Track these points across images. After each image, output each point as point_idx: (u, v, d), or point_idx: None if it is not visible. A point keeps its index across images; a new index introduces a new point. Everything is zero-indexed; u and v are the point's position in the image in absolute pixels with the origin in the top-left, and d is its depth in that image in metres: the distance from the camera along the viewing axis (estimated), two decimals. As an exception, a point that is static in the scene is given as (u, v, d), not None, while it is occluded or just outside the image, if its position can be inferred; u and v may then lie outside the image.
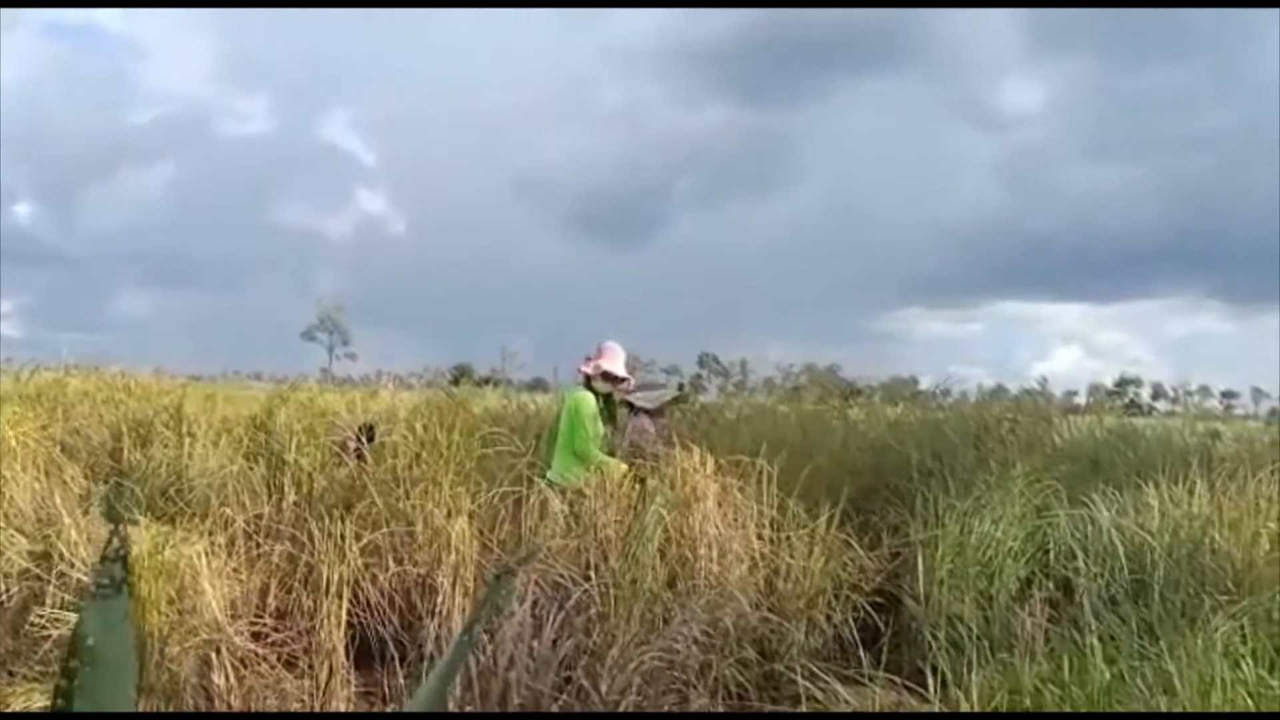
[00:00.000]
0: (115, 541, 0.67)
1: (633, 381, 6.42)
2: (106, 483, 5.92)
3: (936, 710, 3.60)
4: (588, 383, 6.08)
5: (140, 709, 4.13)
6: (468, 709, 3.71)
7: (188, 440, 6.35)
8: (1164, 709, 3.40)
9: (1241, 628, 4.05)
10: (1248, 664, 3.53)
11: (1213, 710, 3.35)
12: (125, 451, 6.58)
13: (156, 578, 4.30)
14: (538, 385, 11.82)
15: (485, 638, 3.96)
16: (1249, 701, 3.36)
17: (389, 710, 4.46)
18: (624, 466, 5.65)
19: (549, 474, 5.76)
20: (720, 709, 4.18)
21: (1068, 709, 3.46)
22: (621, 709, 3.84)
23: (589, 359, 6.15)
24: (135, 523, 4.68)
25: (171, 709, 4.23)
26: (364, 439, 6.11)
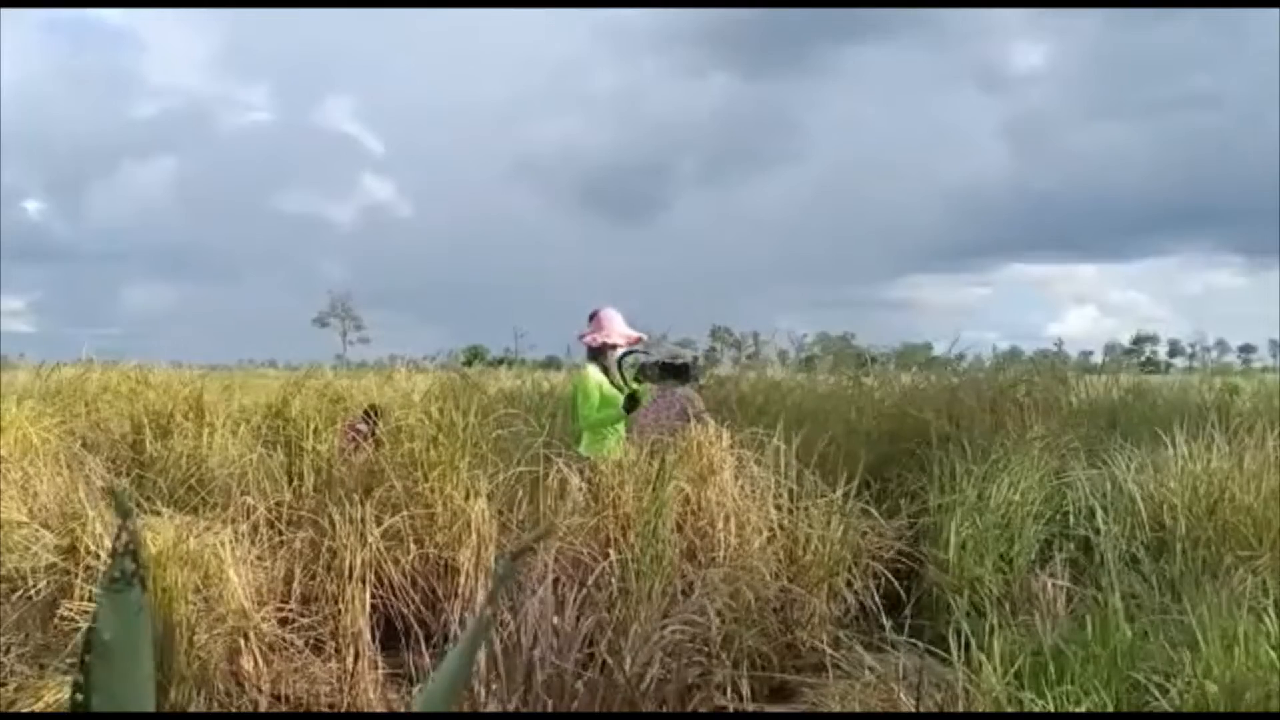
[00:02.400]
0: (124, 536, 0.68)
1: (642, 337, 6.29)
2: (129, 475, 5.97)
3: (960, 674, 3.61)
4: (594, 356, 6.04)
5: (171, 698, 4.18)
6: (493, 687, 3.74)
7: (207, 431, 6.39)
8: (1187, 665, 3.40)
9: (1263, 582, 4.05)
10: (1270, 618, 3.53)
11: (1235, 663, 3.35)
12: (146, 444, 6.62)
13: (182, 567, 4.35)
14: (551, 363, 11.86)
15: (508, 616, 3.99)
16: (1273, 655, 3.36)
17: (416, 690, 4.50)
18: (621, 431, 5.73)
19: (580, 448, 5.77)
20: (744, 679, 4.20)
21: (1090, 669, 3.47)
22: (645, 683, 3.86)
23: (583, 334, 6.10)
24: (157, 514, 4.73)
25: (202, 696, 4.28)
26: (372, 422, 6.13)
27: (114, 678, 0.66)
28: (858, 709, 3.86)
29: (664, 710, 3.87)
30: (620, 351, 6.07)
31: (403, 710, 4.49)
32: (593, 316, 6.09)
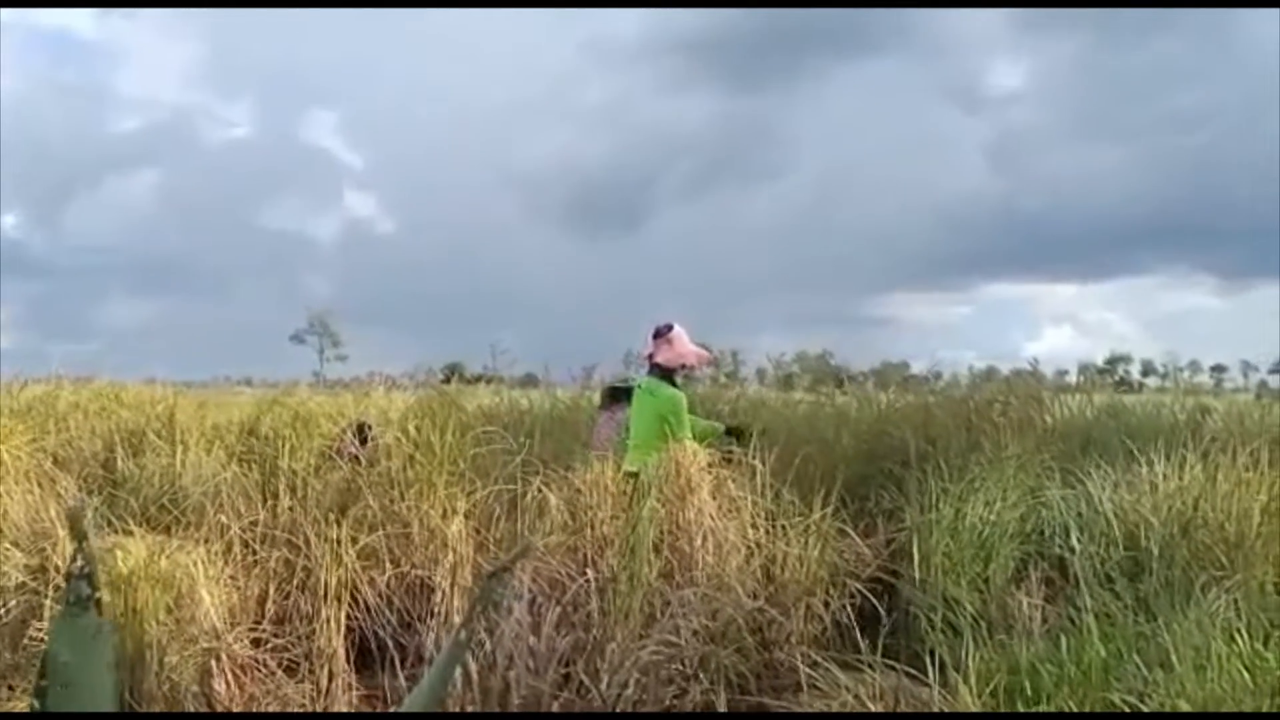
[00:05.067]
0: (80, 559, 0.67)
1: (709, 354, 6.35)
2: (100, 493, 5.90)
3: (936, 693, 3.62)
4: (665, 375, 5.82)
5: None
6: (469, 709, 3.72)
7: (180, 448, 6.34)
8: (1160, 684, 3.41)
9: (1235, 601, 4.07)
10: (1242, 638, 3.55)
11: (1209, 683, 3.37)
12: (118, 462, 6.56)
13: (153, 587, 4.30)
14: (530, 381, 11.83)
15: (485, 636, 3.97)
16: (1245, 675, 3.38)
17: (391, 711, 4.46)
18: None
19: (633, 467, 5.45)
20: (721, 699, 4.19)
21: (1065, 689, 3.48)
22: (621, 703, 3.84)
23: (652, 353, 5.90)
24: (129, 533, 4.68)
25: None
26: (357, 440, 6.10)
27: (71, 702, 0.65)
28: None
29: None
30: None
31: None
32: (659, 334, 5.87)
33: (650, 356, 5.89)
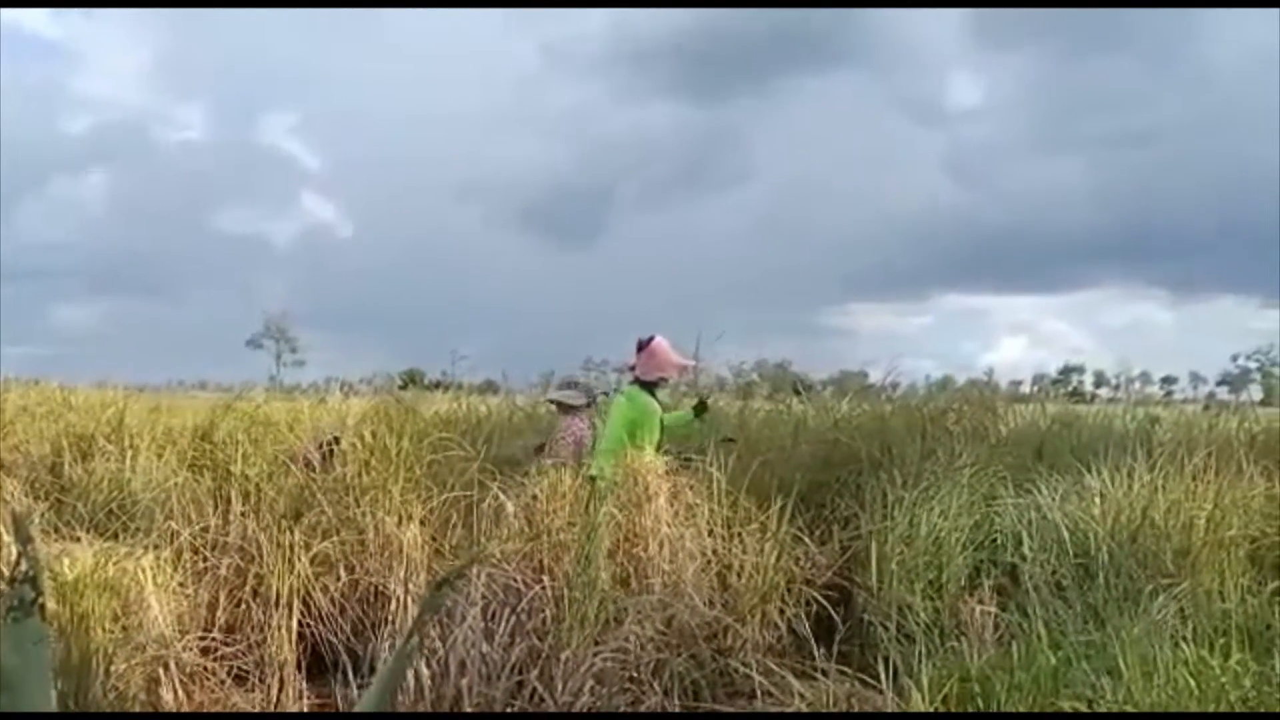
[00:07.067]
0: (24, 563, 0.66)
1: (692, 364, 6.36)
2: (47, 499, 5.78)
3: (889, 700, 3.64)
4: (646, 385, 5.91)
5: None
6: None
7: (130, 453, 6.23)
8: (1108, 691, 3.46)
9: (1182, 609, 4.15)
10: (1189, 644, 3.61)
11: (1156, 689, 3.42)
12: (66, 467, 6.44)
13: (100, 594, 4.23)
14: (489, 388, 11.77)
15: (439, 643, 3.94)
16: (1191, 681, 3.44)
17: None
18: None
19: (593, 471, 5.57)
20: (675, 707, 4.19)
21: (1016, 695, 3.52)
22: (575, 711, 3.83)
23: (633, 365, 5.99)
24: (76, 539, 4.60)
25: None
26: (315, 452, 6.01)
27: (13, 707, 0.64)
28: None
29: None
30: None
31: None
32: (642, 346, 5.96)
33: (632, 368, 5.96)
